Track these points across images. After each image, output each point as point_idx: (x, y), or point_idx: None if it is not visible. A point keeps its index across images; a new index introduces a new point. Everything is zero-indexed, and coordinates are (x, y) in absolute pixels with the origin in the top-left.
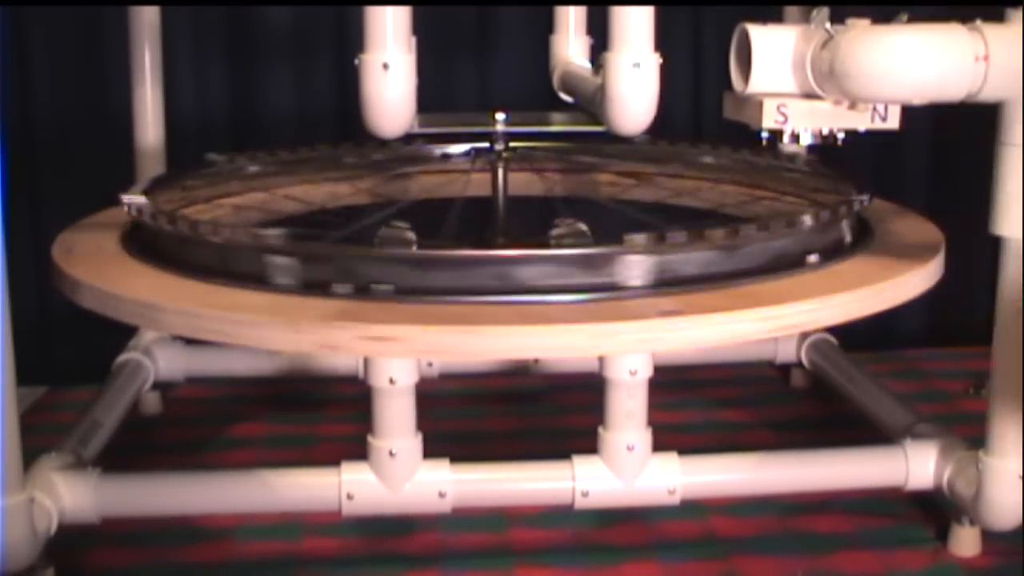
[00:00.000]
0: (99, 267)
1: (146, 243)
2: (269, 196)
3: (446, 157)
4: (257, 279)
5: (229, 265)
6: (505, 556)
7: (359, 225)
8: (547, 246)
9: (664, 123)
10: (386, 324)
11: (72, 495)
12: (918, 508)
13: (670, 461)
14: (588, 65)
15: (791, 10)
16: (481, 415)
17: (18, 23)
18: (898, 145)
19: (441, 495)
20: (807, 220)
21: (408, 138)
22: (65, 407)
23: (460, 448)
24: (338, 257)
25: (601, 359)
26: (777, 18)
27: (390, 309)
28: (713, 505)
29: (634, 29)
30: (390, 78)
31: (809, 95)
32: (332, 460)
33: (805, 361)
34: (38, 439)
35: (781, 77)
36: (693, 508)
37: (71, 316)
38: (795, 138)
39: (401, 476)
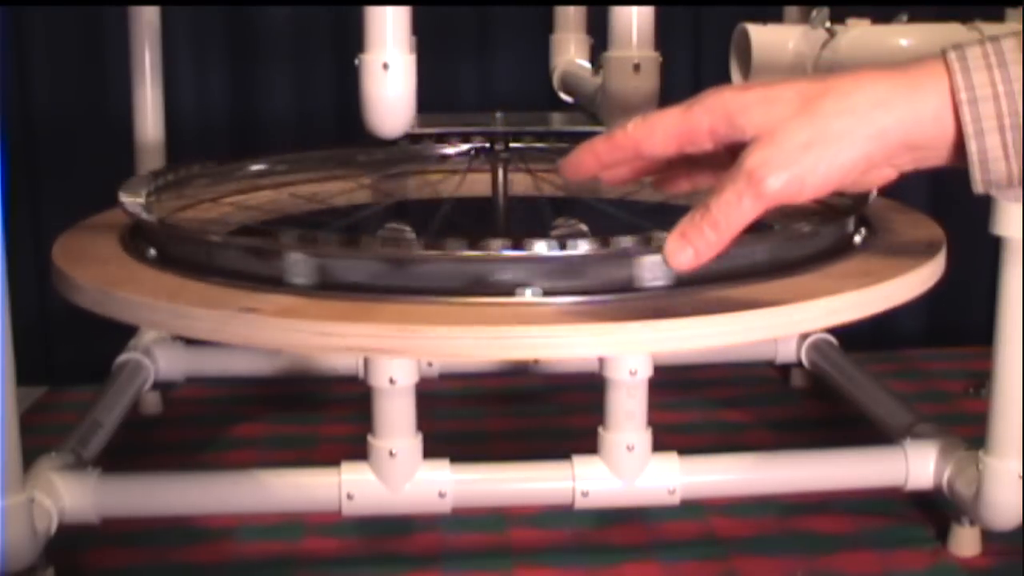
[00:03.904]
0: (96, 266)
1: (144, 242)
2: (274, 195)
3: (446, 157)
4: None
5: (219, 263)
6: (505, 556)
7: (354, 224)
8: (522, 246)
9: None
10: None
11: (72, 495)
12: (918, 508)
13: (670, 461)
14: (588, 65)
15: (791, 10)
16: (481, 415)
17: (18, 23)
18: None
19: (441, 495)
20: (807, 220)
21: (407, 138)
22: (65, 407)
23: (460, 448)
24: (321, 255)
25: (601, 359)
26: (777, 18)
27: (371, 308)
28: (713, 505)
29: (634, 29)
30: (390, 78)
31: None
32: (332, 460)
33: (805, 361)
34: (38, 439)
35: (781, 77)
36: (693, 508)
37: (71, 316)
38: None
39: (401, 476)
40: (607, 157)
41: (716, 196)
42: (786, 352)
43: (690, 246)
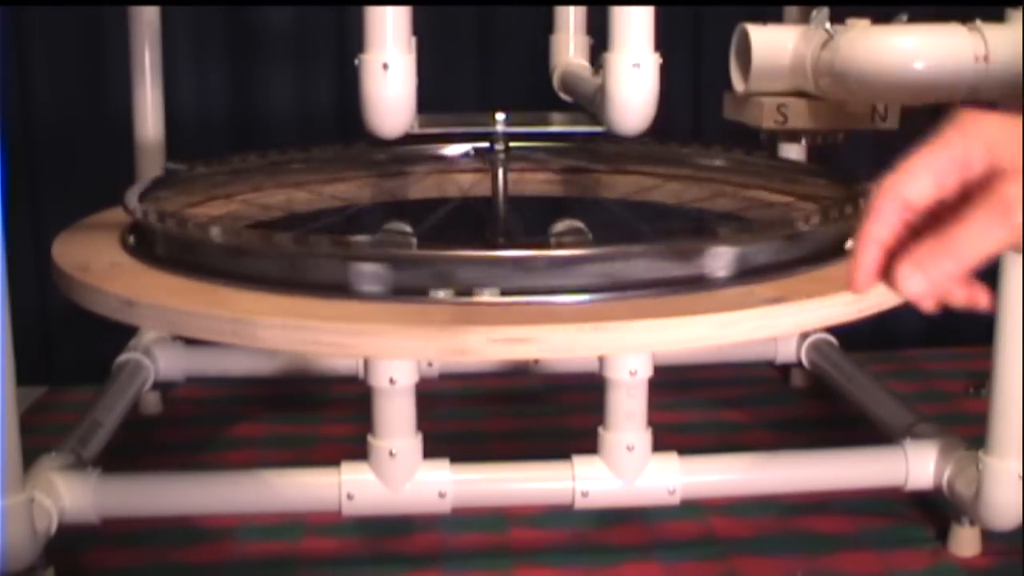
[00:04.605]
0: (96, 266)
1: (144, 242)
2: (275, 194)
3: (446, 157)
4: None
5: (221, 265)
6: (505, 556)
7: (346, 224)
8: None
9: (664, 123)
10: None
11: (72, 495)
12: (918, 508)
13: (670, 461)
14: (588, 65)
15: (791, 10)
16: (481, 415)
17: (18, 23)
18: (898, 145)
19: (441, 495)
20: (806, 221)
21: (408, 138)
22: (65, 407)
23: (460, 448)
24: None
25: (601, 359)
26: (777, 18)
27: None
28: (713, 505)
29: (634, 29)
30: (390, 78)
31: (809, 95)
32: (332, 460)
33: (805, 361)
34: (38, 439)
35: (781, 77)
36: (693, 508)
37: (71, 316)
38: (795, 138)
39: (401, 476)
40: (885, 225)
41: (961, 224)
42: (786, 352)
43: (921, 273)
